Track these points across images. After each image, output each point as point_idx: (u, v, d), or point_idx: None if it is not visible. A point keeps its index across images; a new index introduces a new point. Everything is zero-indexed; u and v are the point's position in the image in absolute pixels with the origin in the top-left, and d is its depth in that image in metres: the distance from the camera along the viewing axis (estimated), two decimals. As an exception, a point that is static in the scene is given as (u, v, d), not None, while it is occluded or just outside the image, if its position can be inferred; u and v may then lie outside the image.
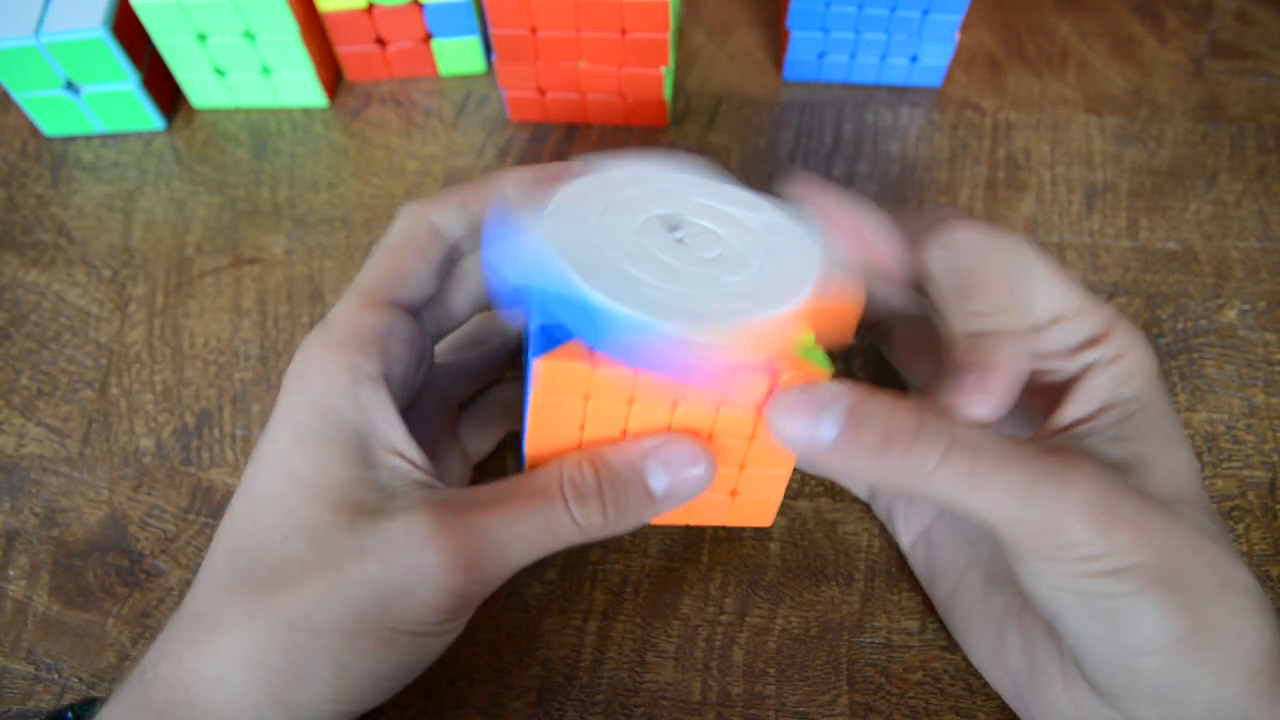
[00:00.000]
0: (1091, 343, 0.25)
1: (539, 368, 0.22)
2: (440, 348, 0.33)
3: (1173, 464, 0.24)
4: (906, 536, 0.31)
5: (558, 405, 0.23)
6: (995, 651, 0.28)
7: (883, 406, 0.22)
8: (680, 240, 0.24)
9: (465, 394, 0.31)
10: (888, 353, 0.33)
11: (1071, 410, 0.25)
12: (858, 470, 0.23)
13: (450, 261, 0.28)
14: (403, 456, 0.24)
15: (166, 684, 0.23)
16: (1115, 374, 0.25)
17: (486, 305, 0.30)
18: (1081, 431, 0.25)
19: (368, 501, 0.23)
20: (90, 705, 0.27)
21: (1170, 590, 0.22)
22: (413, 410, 0.29)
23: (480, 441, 0.32)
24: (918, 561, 0.30)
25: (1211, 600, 0.22)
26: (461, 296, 0.29)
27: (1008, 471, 0.22)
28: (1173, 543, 0.22)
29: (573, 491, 0.23)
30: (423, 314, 0.28)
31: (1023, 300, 0.25)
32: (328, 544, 0.23)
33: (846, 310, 0.23)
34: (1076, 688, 0.25)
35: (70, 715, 0.26)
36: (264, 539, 0.23)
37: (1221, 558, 0.23)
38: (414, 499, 0.23)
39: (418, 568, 0.22)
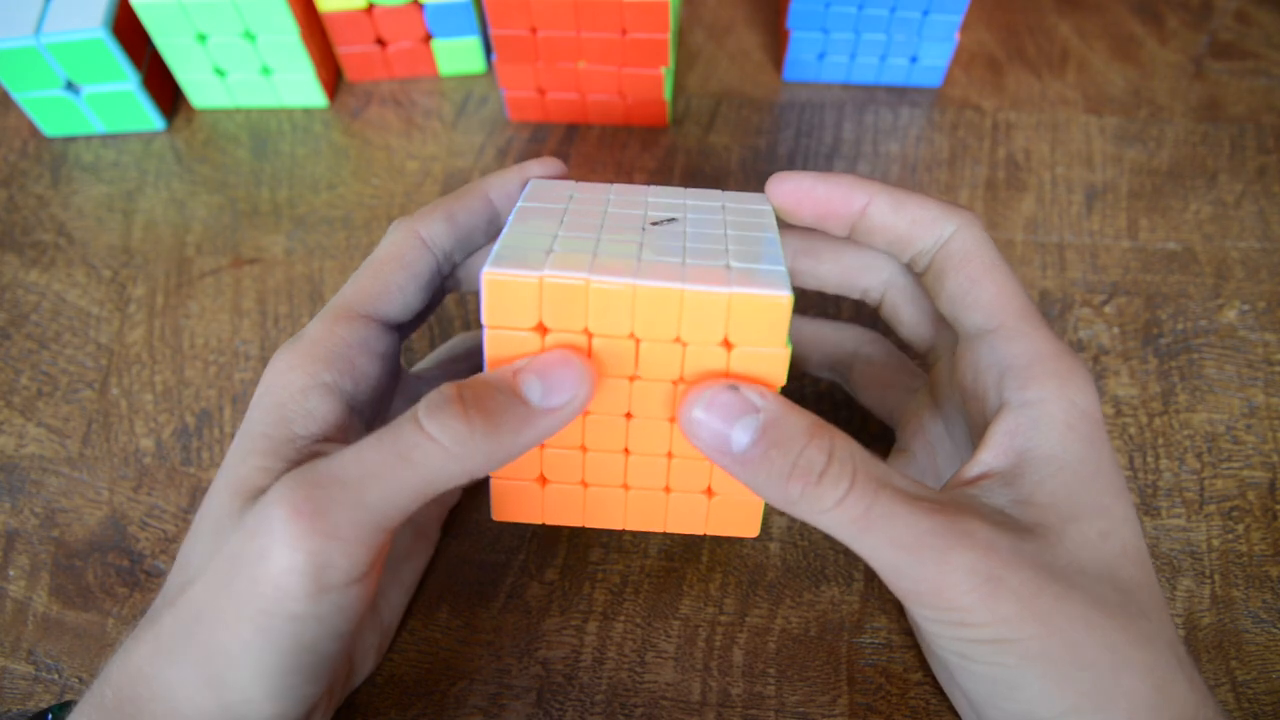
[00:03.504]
0: (1012, 373, 0.25)
1: (486, 281, 0.22)
2: (424, 362, 0.33)
3: (1084, 534, 0.23)
4: None
5: (510, 337, 0.23)
6: (949, 687, 0.28)
7: (798, 433, 0.22)
8: (648, 228, 0.25)
9: None
10: (851, 390, 0.33)
11: (985, 456, 0.24)
12: (759, 489, 0.23)
13: (440, 275, 0.28)
14: (324, 446, 0.24)
15: (116, 681, 0.23)
16: (1029, 420, 0.24)
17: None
18: (990, 486, 0.24)
19: (260, 485, 0.23)
20: (66, 707, 0.27)
21: (1054, 666, 0.22)
22: (382, 419, 0.29)
23: None
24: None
25: (1101, 679, 0.22)
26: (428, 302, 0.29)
27: (896, 525, 0.22)
28: (1062, 618, 0.22)
29: (426, 409, 0.22)
30: (405, 328, 0.28)
31: (970, 303, 0.26)
32: (224, 532, 0.23)
33: (776, 305, 0.22)
34: None
35: (50, 717, 0.27)
36: (196, 536, 0.24)
37: (1119, 636, 0.22)
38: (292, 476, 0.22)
39: (265, 530, 0.21)
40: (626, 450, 0.25)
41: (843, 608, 0.31)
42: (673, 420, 0.24)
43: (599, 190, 0.27)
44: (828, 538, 0.32)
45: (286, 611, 0.21)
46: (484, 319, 0.22)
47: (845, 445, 0.22)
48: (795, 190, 0.27)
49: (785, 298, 0.22)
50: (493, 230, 0.28)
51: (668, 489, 0.25)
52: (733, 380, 0.23)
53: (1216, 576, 0.31)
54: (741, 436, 0.22)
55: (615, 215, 0.26)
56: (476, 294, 0.30)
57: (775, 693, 0.29)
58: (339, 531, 0.21)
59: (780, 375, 0.23)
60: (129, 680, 0.23)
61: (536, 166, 0.28)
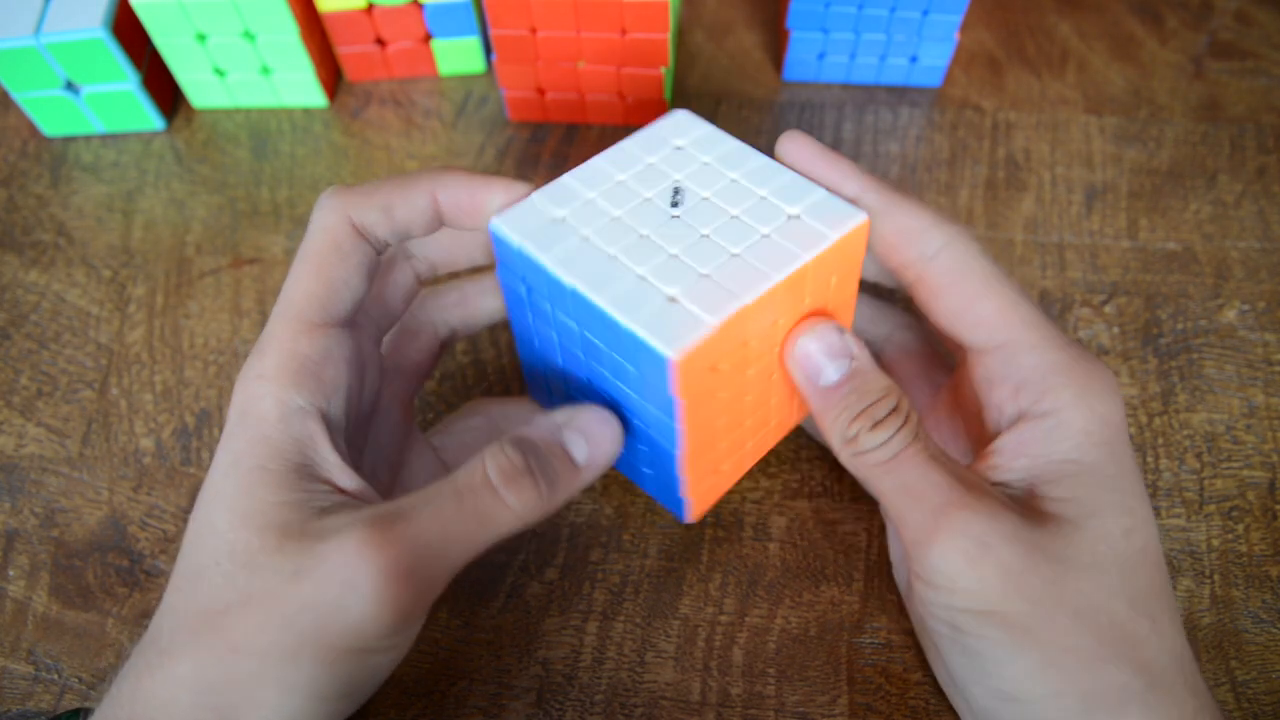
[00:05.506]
0: (1027, 386, 0.25)
1: (678, 367, 0.22)
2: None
3: (1106, 529, 0.23)
4: (895, 550, 0.30)
5: (703, 394, 0.24)
6: (936, 666, 0.28)
7: (877, 386, 0.24)
8: (678, 216, 0.25)
9: (414, 389, 0.31)
10: None
11: (997, 460, 0.25)
12: (824, 417, 0.25)
13: (377, 260, 0.27)
14: (337, 484, 0.24)
15: (129, 704, 0.23)
16: (1044, 430, 0.24)
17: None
18: (1007, 480, 0.25)
19: (294, 523, 0.23)
20: (75, 716, 0.27)
21: (1039, 647, 0.22)
22: (374, 418, 0.29)
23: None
24: (900, 581, 0.30)
25: (1090, 669, 0.22)
26: (395, 292, 0.29)
27: (912, 473, 0.24)
28: (1052, 602, 0.22)
29: (501, 478, 0.23)
30: (359, 317, 0.27)
31: (973, 321, 0.26)
32: (259, 568, 0.23)
33: (856, 234, 0.25)
34: None
35: None
36: (199, 565, 0.23)
37: (1115, 632, 0.22)
38: (345, 518, 0.23)
39: (352, 585, 0.22)
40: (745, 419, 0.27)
41: (843, 608, 0.31)
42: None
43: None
44: (828, 537, 0.32)
45: (361, 652, 0.23)
46: (680, 401, 0.23)
47: (907, 406, 0.24)
48: (799, 157, 0.27)
49: (863, 222, 0.24)
50: (433, 228, 0.27)
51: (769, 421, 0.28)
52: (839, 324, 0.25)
53: (1216, 576, 0.31)
54: (832, 373, 0.24)
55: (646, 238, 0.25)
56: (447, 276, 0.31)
57: (775, 692, 0.29)
58: (426, 588, 0.23)
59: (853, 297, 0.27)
60: (141, 704, 0.23)
61: (500, 193, 0.25)
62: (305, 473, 0.24)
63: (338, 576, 0.22)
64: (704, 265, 0.24)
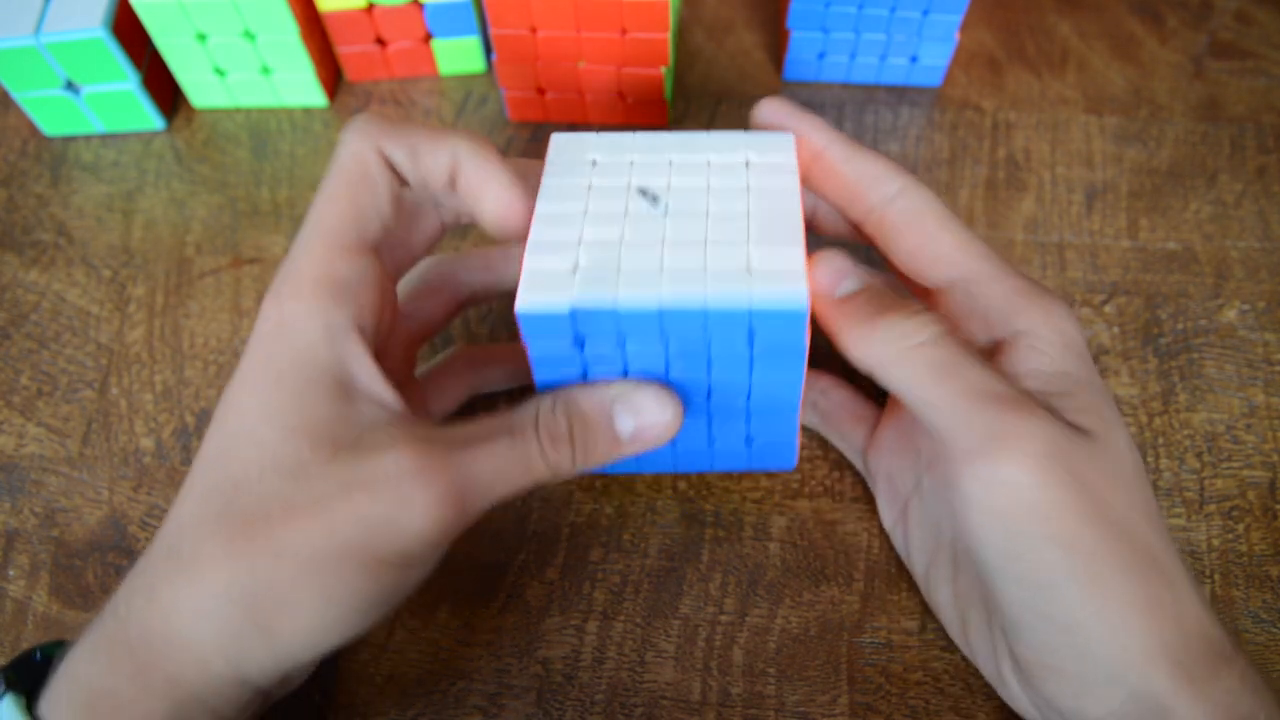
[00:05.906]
0: (995, 312, 0.26)
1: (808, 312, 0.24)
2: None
3: (1119, 441, 0.24)
4: (888, 515, 0.31)
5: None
6: (964, 632, 0.28)
7: (895, 295, 0.25)
8: (665, 213, 0.25)
9: (423, 340, 0.31)
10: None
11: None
12: (843, 326, 0.25)
13: (402, 194, 0.27)
14: (381, 403, 0.24)
15: (141, 618, 0.23)
16: (1028, 348, 0.25)
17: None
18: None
19: (345, 437, 0.23)
20: (60, 645, 0.26)
21: (1098, 562, 0.22)
22: (384, 359, 0.28)
23: (443, 401, 0.32)
24: (897, 540, 0.30)
25: (1142, 584, 0.23)
26: (418, 236, 0.29)
27: (975, 373, 0.23)
28: (1101, 516, 0.23)
29: (546, 435, 0.25)
30: (381, 250, 0.27)
31: (932, 257, 0.27)
32: (308, 478, 0.23)
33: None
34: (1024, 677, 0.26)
35: (38, 655, 0.25)
36: (239, 475, 0.23)
37: (1146, 547, 0.23)
38: (396, 435, 0.23)
39: (407, 501, 0.23)
40: None
41: (843, 608, 0.31)
42: None
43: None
44: (828, 537, 0.32)
45: (400, 567, 0.23)
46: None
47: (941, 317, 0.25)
48: (777, 117, 0.28)
49: (793, 137, 0.25)
50: (449, 188, 0.27)
51: None
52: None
53: (1216, 576, 0.31)
54: (847, 286, 0.25)
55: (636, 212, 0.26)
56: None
57: (775, 692, 0.29)
58: (468, 515, 0.24)
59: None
60: (160, 615, 0.22)
61: (505, 195, 0.26)
62: (349, 389, 0.24)
63: (395, 492, 0.23)
64: (737, 234, 0.25)
